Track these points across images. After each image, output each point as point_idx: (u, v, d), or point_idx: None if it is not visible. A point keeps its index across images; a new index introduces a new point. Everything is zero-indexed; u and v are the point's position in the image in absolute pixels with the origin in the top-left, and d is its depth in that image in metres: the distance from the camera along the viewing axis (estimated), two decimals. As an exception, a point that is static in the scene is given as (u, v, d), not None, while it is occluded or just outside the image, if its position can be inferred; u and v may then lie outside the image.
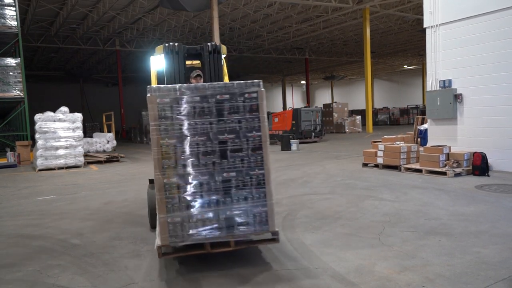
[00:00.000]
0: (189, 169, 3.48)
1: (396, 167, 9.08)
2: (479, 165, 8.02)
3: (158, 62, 5.12)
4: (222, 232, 3.47)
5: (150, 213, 4.97)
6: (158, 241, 3.47)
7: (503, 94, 8.26)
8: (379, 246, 4.12)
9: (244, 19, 24.02)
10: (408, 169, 8.81)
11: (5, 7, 14.99)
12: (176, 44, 4.62)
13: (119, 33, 26.21)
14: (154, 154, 3.44)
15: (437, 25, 9.39)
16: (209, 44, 4.73)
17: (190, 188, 3.47)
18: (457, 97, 9.05)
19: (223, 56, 4.93)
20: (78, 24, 24.05)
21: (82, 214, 6.29)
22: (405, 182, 7.62)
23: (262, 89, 3.62)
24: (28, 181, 10.54)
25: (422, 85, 43.15)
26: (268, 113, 22.79)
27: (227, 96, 3.55)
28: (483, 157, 8.04)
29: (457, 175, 8.06)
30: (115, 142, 18.20)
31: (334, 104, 27.67)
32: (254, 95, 3.59)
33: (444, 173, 8.05)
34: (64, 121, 12.99)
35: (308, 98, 39.09)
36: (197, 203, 3.47)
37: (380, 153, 9.49)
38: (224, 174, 3.53)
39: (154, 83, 5.14)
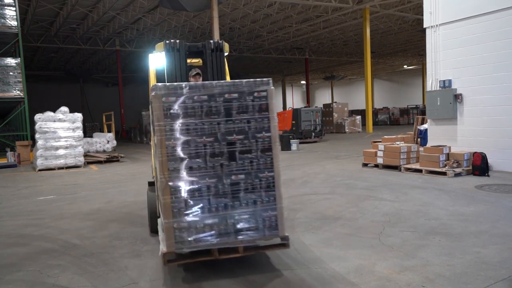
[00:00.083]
0: (196, 172, 3.32)
1: (396, 167, 9.08)
2: (479, 165, 8.02)
3: (157, 60, 4.97)
4: (230, 237, 3.31)
5: (150, 217, 4.83)
6: (163, 248, 3.30)
7: (503, 94, 8.26)
8: (379, 246, 4.12)
9: (244, 19, 24.02)
10: (408, 169, 8.81)
11: (5, 7, 15.00)
12: (178, 41, 4.48)
13: (119, 33, 26.21)
14: (158, 156, 3.26)
15: (437, 25, 9.39)
16: (211, 41, 4.60)
17: (197, 192, 3.31)
18: (457, 97, 9.05)
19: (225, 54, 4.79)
20: (78, 24, 24.05)
21: (82, 214, 6.30)
22: (405, 182, 7.62)
23: (272, 87, 3.47)
24: (28, 181, 10.54)
25: (422, 85, 43.15)
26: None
27: (235, 95, 3.39)
28: (483, 157, 8.04)
29: (457, 175, 8.06)
30: (115, 142, 18.20)
31: (334, 104, 27.67)
32: (264, 93, 3.44)
33: (444, 173, 8.05)
34: (64, 121, 12.99)
35: (308, 98, 39.09)
36: (204, 208, 3.30)
37: (380, 153, 9.49)
38: (233, 177, 3.37)
39: (153, 82, 4.97)
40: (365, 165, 9.95)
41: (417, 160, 9.15)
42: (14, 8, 15.15)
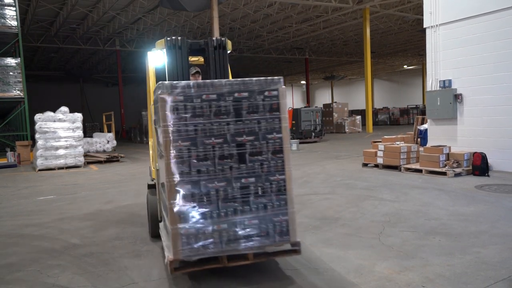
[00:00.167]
0: (204, 175, 3.16)
1: (396, 167, 9.08)
2: (479, 165, 8.02)
3: (157, 58, 4.81)
4: (240, 244, 3.17)
5: (150, 221, 4.65)
6: (169, 255, 3.14)
7: (503, 94, 8.26)
8: (379, 246, 4.13)
9: (244, 19, 24.02)
10: (408, 169, 8.81)
11: (5, 7, 15.00)
12: (179, 38, 4.34)
13: (119, 33, 26.21)
14: (165, 159, 3.10)
15: (437, 25, 9.39)
16: (214, 38, 4.43)
17: (205, 196, 3.16)
18: (457, 97, 9.05)
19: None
20: (78, 24, 24.05)
21: (82, 214, 6.30)
22: (405, 182, 7.62)
23: (283, 86, 3.35)
24: (28, 181, 10.54)
25: (422, 85, 43.16)
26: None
27: (245, 94, 3.24)
28: (483, 157, 8.04)
29: (457, 175, 8.06)
30: (115, 142, 18.20)
31: (334, 104, 27.67)
32: (275, 93, 3.29)
33: (444, 173, 8.05)
34: (64, 121, 12.99)
35: (308, 98, 39.09)
36: (213, 213, 3.15)
37: (380, 153, 9.49)
38: (242, 180, 3.22)
39: (152, 81, 4.87)
40: (365, 165, 9.95)
41: (417, 160, 9.15)
42: (14, 8, 15.16)
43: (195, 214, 3.12)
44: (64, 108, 13.37)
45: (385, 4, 22.01)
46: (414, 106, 37.23)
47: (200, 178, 3.15)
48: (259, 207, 3.24)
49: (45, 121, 12.73)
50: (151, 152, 5.23)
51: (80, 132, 13.23)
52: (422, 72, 42.40)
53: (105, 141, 17.79)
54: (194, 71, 4.69)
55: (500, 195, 6.25)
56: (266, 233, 3.22)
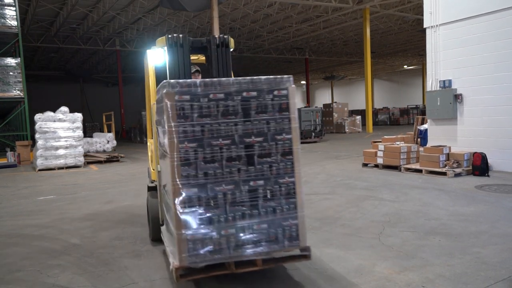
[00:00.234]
0: (212, 178, 3.04)
1: (396, 167, 9.08)
2: (479, 165, 8.02)
3: (157, 56, 4.66)
4: (248, 249, 3.06)
5: (152, 225, 4.49)
6: (174, 262, 3.01)
7: (504, 94, 8.26)
8: (379, 246, 4.13)
9: (244, 19, 24.02)
10: (408, 169, 8.81)
11: (5, 7, 15.00)
12: (181, 35, 4.22)
13: (119, 33, 26.22)
14: (170, 161, 2.98)
15: (437, 25, 9.39)
16: (216, 36, 4.34)
17: (212, 200, 3.03)
18: (457, 97, 9.05)
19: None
20: (78, 24, 24.05)
21: (82, 214, 6.30)
22: (405, 182, 7.62)
23: (293, 85, 3.24)
24: (28, 181, 10.54)
25: (422, 85, 43.16)
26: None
27: (254, 93, 3.12)
28: (483, 157, 8.04)
29: (457, 175, 8.06)
30: (115, 142, 18.20)
31: (334, 104, 27.68)
32: (284, 92, 3.18)
33: (444, 173, 8.05)
34: (64, 121, 12.99)
35: (308, 98, 39.10)
36: (220, 217, 3.03)
37: (380, 153, 9.49)
38: (251, 183, 3.10)
39: (152, 80, 4.75)
40: (365, 165, 9.95)
41: (417, 160, 9.15)
42: (14, 8, 15.16)
43: (202, 218, 3.00)
44: (64, 108, 13.37)
45: (385, 4, 22.01)
46: (414, 106, 37.24)
47: (207, 181, 3.03)
48: (268, 211, 3.13)
49: (45, 121, 12.73)
50: (149, 153, 5.15)
51: (80, 132, 13.23)
52: (422, 72, 42.40)
53: (105, 141, 17.80)
54: (194, 69, 4.62)
55: (500, 195, 6.25)
56: (275, 238, 3.12)
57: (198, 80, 3.06)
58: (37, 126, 12.60)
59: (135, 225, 5.46)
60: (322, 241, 4.38)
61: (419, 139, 10.94)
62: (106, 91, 43.12)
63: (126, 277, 3.66)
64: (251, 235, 3.08)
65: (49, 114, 12.98)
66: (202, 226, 2.99)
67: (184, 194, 2.98)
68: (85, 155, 14.45)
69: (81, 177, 10.85)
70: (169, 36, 4.17)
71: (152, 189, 4.78)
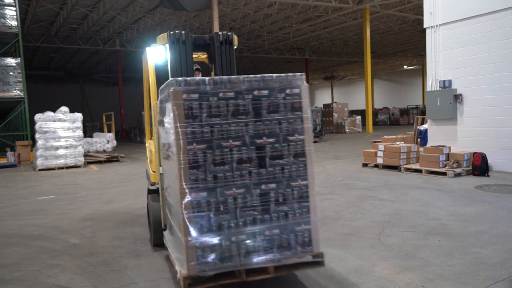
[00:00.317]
0: (222, 181, 2.90)
1: (396, 167, 9.08)
2: (479, 165, 8.02)
3: (157, 54, 4.48)
4: (259, 256, 2.92)
5: (153, 229, 4.32)
6: (182, 270, 2.87)
7: (504, 95, 8.26)
8: (379, 246, 4.13)
9: (244, 19, 24.03)
10: (408, 169, 8.82)
11: (5, 7, 15.00)
12: (183, 32, 4.05)
13: (119, 33, 26.22)
14: (177, 164, 2.82)
15: (437, 25, 9.39)
16: (220, 33, 4.18)
17: (222, 204, 2.89)
18: (457, 97, 9.05)
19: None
20: (78, 24, 24.06)
21: (82, 214, 6.30)
22: (405, 182, 7.62)
23: (306, 83, 3.10)
24: (28, 181, 10.54)
25: (422, 85, 43.17)
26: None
27: (265, 92, 2.98)
28: (483, 157, 8.04)
29: (457, 175, 8.06)
30: (115, 142, 18.19)
31: (334, 104, 27.68)
32: (297, 90, 3.05)
33: (444, 173, 8.06)
34: (64, 121, 13.00)
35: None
36: (231, 222, 2.90)
37: (380, 153, 9.49)
38: (263, 186, 2.96)
39: (152, 79, 4.55)
40: (365, 165, 9.95)
41: (417, 160, 9.15)
42: (14, 8, 15.15)
43: (211, 224, 2.86)
44: (64, 108, 13.37)
45: (385, 4, 22.02)
46: (414, 106, 37.25)
47: (217, 185, 2.89)
48: (280, 215, 2.99)
49: (45, 121, 12.73)
50: (148, 154, 5.03)
51: (80, 132, 13.23)
52: (422, 72, 42.41)
53: (105, 141, 17.78)
54: (194, 68, 4.52)
55: (500, 195, 6.25)
56: (287, 244, 2.99)
57: (207, 78, 2.91)
58: (37, 126, 12.60)
59: (135, 225, 5.46)
60: (322, 241, 4.36)
61: (419, 139, 10.94)
62: (106, 91, 43.12)
63: (126, 277, 3.66)
64: (262, 241, 2.94)
65: (49, 114, 12.98)
66: (211, 232, 2.86)
67: (192, 199, 2.84)
68: (85, 155, 14.45)
69: (81, 177, 10.85)
70: (171, 32, 4.02)
71: (153, 192, 4.62)
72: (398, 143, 9.64)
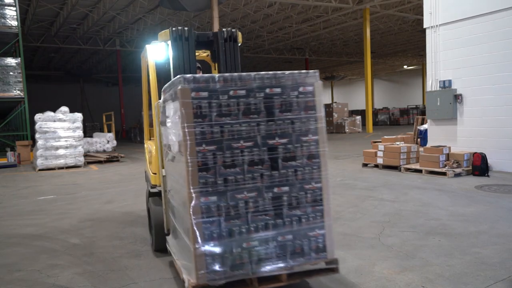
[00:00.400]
0: (232, 184, 2.76)
1: (396, 167, 9.08)
2: (479, 166, 8.02)
3: (158, 52, 4.31)
4: (272, 263, 2.78)
5: (155, 234, 4.13)
6: (190, 279, 2.73)
7: (503, 95, 8.27)
8: (379, 246, 4.13)
9: (244, 19, 24.03)
10: (408, 169, 8.82)
11: (5, 7, 15.00)
12: (186, 28, 3.91)
13: (119, 33, 26.22)
14: (185, 166, 2.66)
15: (437, 25, 9.39)
16: (224, 30, 4.06)
17: (233, 209, 2.75)
18: (457, 98, 9.05)
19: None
20: (78, 24, 24.06)
21: (82, 214, 6.30)
22: (405, 182, 7.62)
23: (319, 81, 2.96)
24: (28, 181, 10.54)
25: (422, 85, 43.17)
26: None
27: (278, 90, 2.85)
28: (483, 158, 8.04)
29: (457, 175, 8.06)
30: (115, 142, 18.19)
31: (334, 104, 27.69)
32: (310, 88, 2.91)
33: (444, 174, 8.06)
34: (64, 121, 13.00)
35: (308, 98, 39.00)
36: (242, 228, 2.76)
37: (380, 153, 9.49)
38: (275, 189, 2.83)
39: (152, 77, 4.37)
40: (365, 165, 9.95)
41: (417, 160, 9.15)
42: (14, 8, 15.16)
43: (222, 230, 2.72)
44: (64, 108, 13.37)
45: (385, 4, 22.02)
46: (414, 106, 37.27)
47: (227, 188, 2.75)
48: (293, 220, 2.86)
49: (45, 121, 12.73)
50: (147, 155, 4.88)
51: (80, 132, 13.24)
52: (422, 72, 42.41)
53: (105, 141, 17.78)
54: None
55: (500, 196, 6.25)
56: (301, 250, 2.86)
57: (216, 75, 2.77)
58: (37, 126, 12.61)
59: (135, 225, 5.46)
60: (322, 241, 4.38)
61: (419, 139, 10.94)
62: (106, 91, 43.12)
63: (126, 277, 3.66)
64: (275, 248, 2.82)
65: (49, 114, 12.98)
66: (221, 238, 2.72)
67: (201, 203, 2.69)
68: (85, 155, 14.45)
69: (81, 177, 10.85)
70: (174, 29, 3.89)
71: (154, 195, 4.40)
72: (398, 143, 9.64)
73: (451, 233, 4.46)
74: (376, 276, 3.40)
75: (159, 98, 3.77)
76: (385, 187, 7.23)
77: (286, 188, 2.87)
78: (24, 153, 14.89)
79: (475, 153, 8.16)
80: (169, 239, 3.68)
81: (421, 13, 12.29)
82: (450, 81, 9.18)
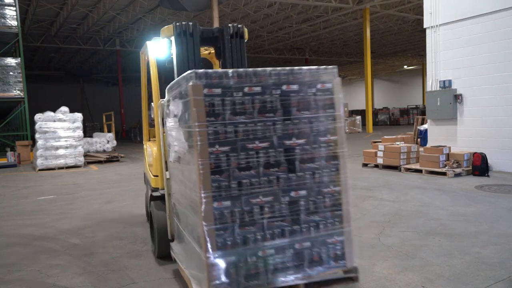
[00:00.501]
0: (247, 188, 2.58)
1: (396, 167, 9.08)
2: (479, 166, 8.02)
3: (160, 48, 4.15)
4: (289, 273, 2.61)
5: (158, 239, 3.91)
6: None
7: (503, 95, 8.27)
8: (379, 246, 4.13)
9: (244, 19, 24.02)
10: (408, 169, 8.81)
11: (5, 7, 15.00)
12: (191, 23, 3.73)
13: (119, 33, 26.22)
14: (197, 169, 2.47)
15: (437, 25, 9.39)
16: (230, 25, 3.89)
17: (247, 215, 2.56)
18: (457, 98, 9.05)
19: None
20: (78, 24, 24.06)
21: (82, 214, 6.30)
22: (405, 182, 7.62)
23: (338, 78, 2.81)
24: (28, 181, 10.54)
25: (422, 85, 43.17)
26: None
27: (295, 87, 2.67)
28: (483, 158, 8.04)
29: (457, 175, 8.06)
30: (115, 142, 18.19)
31: (334, 104, 27.64)
32: (329, 85, 2.74)
33: (444, 174, 8.06)
34: (64, 121, 13.00)
35: (308, 98, 39.00)
36: (257, 235, 2.57)
37: (380, 153, 9.49)
38: (292, 193, 2.66)
39: (154, 76, 4.14)
40: (365, 165, 9.95)
41: (417, 160, 9.15)
42: (14, 8, 15.16)
43: (236, 237, 2.54)
44: (64, 108, 13.37)
45: (385, 4, 22.02)
46: (414, 106, 37.27)
47: (241, 192, 2.56)
48: (311, 226, 2.69)
49: (45, 121, 12.73)
50: (147, 157, 4.76)
51: (80, 132, 13.24)
52: (422, 72, 42.41)
53: (105, 141, 17.78)
54: None
55: (500, 196, 6.25)
56: (319, 258, 2.69)
57: (230, 70, 2.60)
58: (37, 126, 12.61)
59: (135, 225, 5.46)
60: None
61: (419, 139, 10.94)
62: (106, 91, 43.11)
63: (126, 277, 3.66)
64: (292, 256, 2.64)
65: (49, 114, 12.98)
66: (235, 247, 2.53)
67: (214, 209, 2.50)
68: (85, 155, 14.45)
69: (81, 177, 10.85)
70: (177, 24, 3.73)
71: (156, 199, 4.13)
72: (398, 143, 9.64)
73: (451, 233, 4.46)
74: (376, 276, 3.40)
75: (161, 97, 3.69)
76: (385, 187, 7.23)
77: (303, 192, 2.69)
78: (24, 153, 14.89)
79: (475, 153, 8.16)
80: (174, 245, 3.52)
81: (421, 13, 12.29)
82: (450, 81, 9.18)
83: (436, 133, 9.62)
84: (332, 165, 2.76)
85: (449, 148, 8.65)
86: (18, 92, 15.29)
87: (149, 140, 5.05)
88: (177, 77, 3.56)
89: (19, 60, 15.40)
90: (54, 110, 13.39)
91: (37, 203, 7.39)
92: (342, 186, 2.78)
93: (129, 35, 26.61)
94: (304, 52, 35.63)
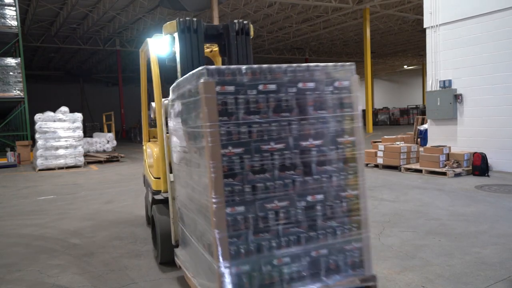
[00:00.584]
0: (261, 192, 2.41)
1: (396, 167, 9.08)
2: (479, 165, 8.02)
3: (162, 45, 4.00)
4: (305, 282, 2.47)
5: (161, 244, 3.74)
6: None
7: (504, 94, 8.27)
8: (379, 246, 4.13)
9: (244, 19, 23.95)
10: (408, 169, 8.81)
11: (5, 7, 15.00)
12: (195, 19, 3.58)
13: (119, 33, 26.22)
14: (209, 171, 2.30)
15: (437, 25, 9.39)
16: (235, 21, 3.76)
17: (262, 220, 2.39)
18: (457, 97, 9.05)
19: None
20: (78, 24, 24.06)
21: (82, 214, 6.30)
22: (405, 182, 7.62)
23: (356, 75, 2.66)
24: (28, 181, 10.54)
25: (422, 85, 43.18)
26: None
27: (311, 85, 2.52)
28: (483, 157, 8.04)
29: (457, 175, 8.06)
30: (115, 142, 18.19)
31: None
32: (346, 83, 2.59)
33: (444, 173, 8.06)
34: (64, 121, 13.00)
35: (308, 98, 39.02)
36: (272, 242, 2.41)
37: (380, 153, 9.50)
38: (308, 198, 2.50)
39: (156, 74, 3.98)
40: (365, 165, 9.94)
41: (417, 160, 9.16)
42: (14, 8, 15.16)
43: (249, 245, 2.37)
44: (64, 108, 13.37)
45: (385, 4, 22.02)
46: (414, 106, 37.28)
47: (256, 197, 2.39)
48: (328, 232, 2.53)
49: (45, 121, 12.73)
50: (147, 159, 4.64)
51: (80, 132, 13.24)
52: (422, 72, 42.42)
53: (105, 141, 17.78)
54: None
55: (500, 195, 6.25)
56: (336, 266, 2.54)
57: (244, 66, 2.44)
58: (37, 126, 12.60)
59: (135, 225, 5.46)
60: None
61: (419, 139, 10.94)
62: (106, 91, 43.10)
63: (126, 277, 3.66)
64: (308, 264, 2.49)
65: (49, 114, 12.98)
66: (249, 255, 2.37)
67: (227, 215, 2.33)
68: (85, 155, 14.45)
69: (81, 177, 10.85)
70: (181, 20, 3.58)
71: (158, 202, 3.97)
72: (398, 143, 9.64)
73: (451, 233, 4.46)
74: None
75: (163, 96, 3.64)
76: (385, 187, 7.23)
77: (320, 196, 2.53)
78: (24, 153, 14.89)
79: (475, 153, 8.16)
80: (178, 251, 3.37)
81: (421, 13, 12.29)
82: (450, 81, 9.18)
83: (436, 133, 9.62)
84: (349, 167, 2.62)
85: (449, 148, 8.65)
86: (18, 92, 15.29)
87: (149, 141, 5.04)
88: (180, 75, 3.50)
89: (19, 60, 15.40)
90: (54, 110, 13.39)
91: (37, 203, 7.39)
92: (360, 190, 2.63)
93: (129, 35, 26.61)
94: (304, 52, 35.64)
